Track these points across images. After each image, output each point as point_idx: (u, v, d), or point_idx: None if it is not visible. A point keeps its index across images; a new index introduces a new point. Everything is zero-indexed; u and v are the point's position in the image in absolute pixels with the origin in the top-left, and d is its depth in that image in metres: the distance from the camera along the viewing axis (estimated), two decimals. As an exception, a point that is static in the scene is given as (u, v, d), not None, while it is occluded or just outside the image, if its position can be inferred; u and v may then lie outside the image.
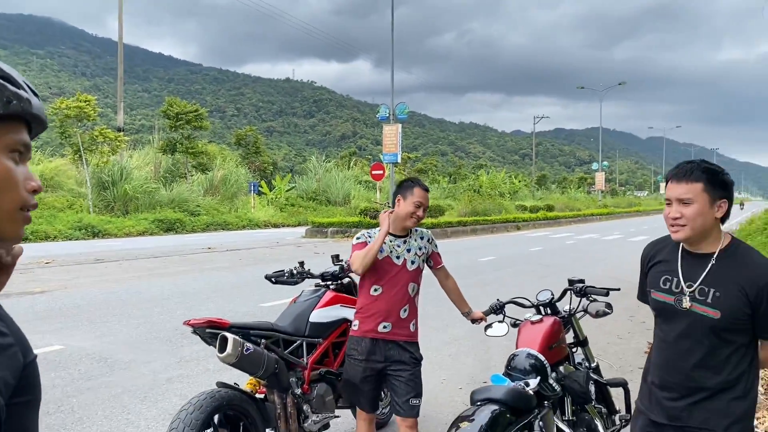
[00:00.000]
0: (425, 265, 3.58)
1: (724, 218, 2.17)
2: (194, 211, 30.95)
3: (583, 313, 3.68)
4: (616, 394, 3.91)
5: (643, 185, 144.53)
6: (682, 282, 2.21)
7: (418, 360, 3.46)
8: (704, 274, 2.16)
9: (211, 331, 3.30)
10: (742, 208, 65.65)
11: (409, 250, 3.46)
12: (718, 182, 2.12)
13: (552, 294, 3.74)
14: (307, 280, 4.27)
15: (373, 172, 25.99)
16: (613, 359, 6.48)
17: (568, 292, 3.76)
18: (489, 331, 3.71)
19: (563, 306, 3.77)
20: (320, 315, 3.91)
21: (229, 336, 3.23)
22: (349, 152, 68.76)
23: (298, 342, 3.79)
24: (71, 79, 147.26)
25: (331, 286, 4.16)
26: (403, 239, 3.47)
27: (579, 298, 3.69)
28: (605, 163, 76.13)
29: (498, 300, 3.82)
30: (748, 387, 2.16)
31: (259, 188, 38.68)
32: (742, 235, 20.32)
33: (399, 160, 26.19)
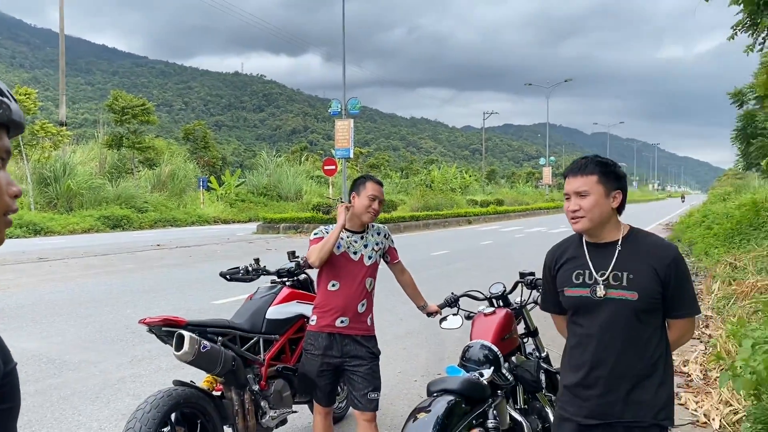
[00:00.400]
0: (381, 260, 3.63)
1: (620, 209, 2.26)
2: (142, 207, 30.26)
3: (533, 304, 3.80)
4: (566, 382, 4.05)
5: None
6: (594, 272, 2.25)
7: (375, 354, 3.51)
8: (614, 259, 2.22)
9: (167, 330, 3.27)
10: (683, 201, 68.41)
11: (366, 246, 3.51)
12: (611, 174, 2.22)
13: (504, 287, 3.85)
14: (262, 276, 4.27)
15: (326, 167, 25.95)
16: (562, 349, 6.68)
17: (519, 284, 3.87)
18: (444, 324, 3.80)
19: (515, 298, 3.89)
20: (277, 311, 3.92)
21: (186, 334, 3.21)
22: (300, 147, 68.27)
23: (255, 339, 3.79)
24: (9, 71, 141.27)
25: (288, 283, 4.18)
26: (360, 235, 3.52)
27: (530, 290, 3.82)
28: (552, 158, 77.76)
29: (452, 293, 3.91)
30: (668, 371, 2.25)
31: (208, 184, 38.08)
32: (682, 228, 21.13)
33: (351, 155, 26.20)
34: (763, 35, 11.48)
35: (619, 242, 2.23)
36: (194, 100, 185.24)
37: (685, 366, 5.89)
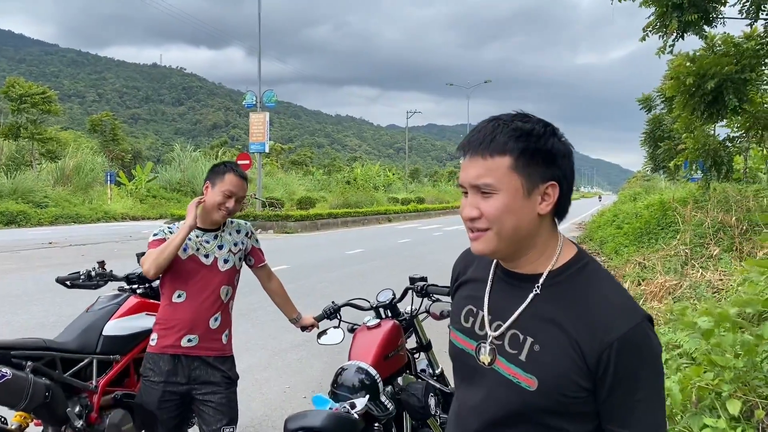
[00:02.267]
0: (242, 263, 3.02)
1: (559, 213, 1.28)
2: (41, 202, 28.23)
3: (426, 314, 3.29)
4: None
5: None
6: (486, 319, 1.32)
7: (232, 379, 2.90)
8: (519, 310, 1.27)
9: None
10: (600, 200, 71.80)
11: (221, 247, 2.88)
12: (538, 153, 1.21)
13: (393, 294, 3.32)
14: (110, 283, 3.57)
15: (239, 162, 24.86)
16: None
17: (410, 291, 3.35)
18: (322, 339, 3.25)
19: (405, 307, 3.37)
20: (118, 326, 3.22)
21: (-25, 361, 2.49)
22: (220, 142, 66.46)
23: (87, 360, 3.08)
24: None
25: (139, 291, 3.48)
26: (213, 234, 2.88)
27: (421, 298, 3.29)
28: (473, 157, 78.76)
29: (333, 303, 3.35)
30: None
31: (117, 178, 36.05)
32: (594, 227, 21.43)
33: (266, 150, 25.25)
34: (672, 38, 11.58)
35: (542, 279, 1.26)
36: (109, 92, 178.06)
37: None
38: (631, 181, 59.66)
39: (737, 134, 13.49)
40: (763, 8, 10.95)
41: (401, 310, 3.35)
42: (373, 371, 2.72)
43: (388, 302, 3.28)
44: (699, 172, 14.14)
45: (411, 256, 15.25)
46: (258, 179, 25.90)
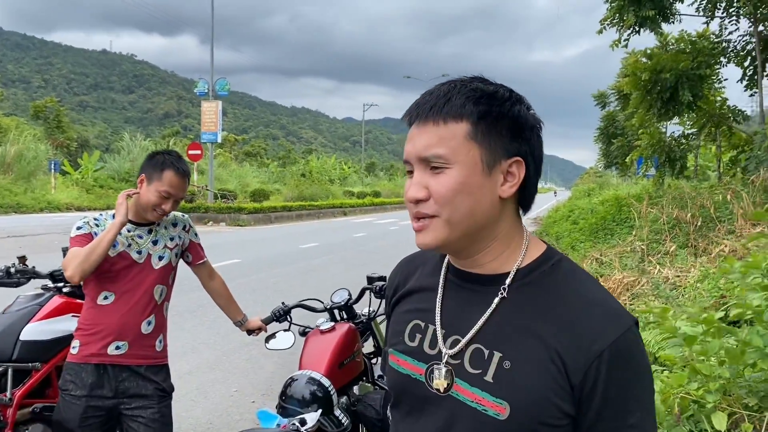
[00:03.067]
0: (179, 260, 2.69)
1: (524, 202, 1.05)
2: (-21, 191, 26.93)
3: (384, 316, 3.02)
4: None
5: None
6: (439, 334, 1.04)
7: (166, 392, 2.57)
8: (482, 320, 1.00)
9: None
10: (555, 195, 72.55)
11: (155, 242, 2.55)
12: (503, 119, 0.98)
13: (349, 294, 3.05)
14: (34, 280, 3.20)
15: (190, 152, 24.12)
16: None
17: (367, 291, 3.08)
18: (271, 343, 2.96)
19: (362, 308, 3.10)
20: (38, 330, 2.86)
21: None
22: (172, 131, 64.98)
23: (1, 369, 2.72)
24: None
25: (65, 290, 3.12)
26: (147, 228, 2.55)
27: (379, 299, 3.03)
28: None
29: (283, 303, 3.06)
30: None
31: (62, 167, 34.67)
32: (550, 222, 21.58)
33: (219, 140, 24.61)
34: (628, 32, 11.63)
35: (508, 280, 1.01)
36: (55, 78, 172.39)
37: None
38: (584, 177, 60.78)
39: (690, 131, 13.70)
40: (718, 6, 11.08)
41: (358, 311, 3.09)
42: (326, 382, 2.45)
43: (343, 303, 3.02)
44: (653, 168, 14.31)
45: (367, 251, 15.02)
46: (210, 170, 25.25)
